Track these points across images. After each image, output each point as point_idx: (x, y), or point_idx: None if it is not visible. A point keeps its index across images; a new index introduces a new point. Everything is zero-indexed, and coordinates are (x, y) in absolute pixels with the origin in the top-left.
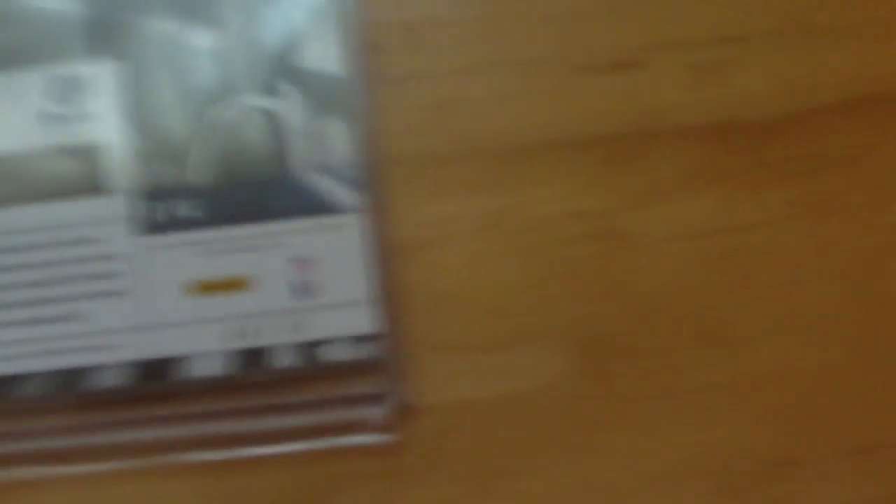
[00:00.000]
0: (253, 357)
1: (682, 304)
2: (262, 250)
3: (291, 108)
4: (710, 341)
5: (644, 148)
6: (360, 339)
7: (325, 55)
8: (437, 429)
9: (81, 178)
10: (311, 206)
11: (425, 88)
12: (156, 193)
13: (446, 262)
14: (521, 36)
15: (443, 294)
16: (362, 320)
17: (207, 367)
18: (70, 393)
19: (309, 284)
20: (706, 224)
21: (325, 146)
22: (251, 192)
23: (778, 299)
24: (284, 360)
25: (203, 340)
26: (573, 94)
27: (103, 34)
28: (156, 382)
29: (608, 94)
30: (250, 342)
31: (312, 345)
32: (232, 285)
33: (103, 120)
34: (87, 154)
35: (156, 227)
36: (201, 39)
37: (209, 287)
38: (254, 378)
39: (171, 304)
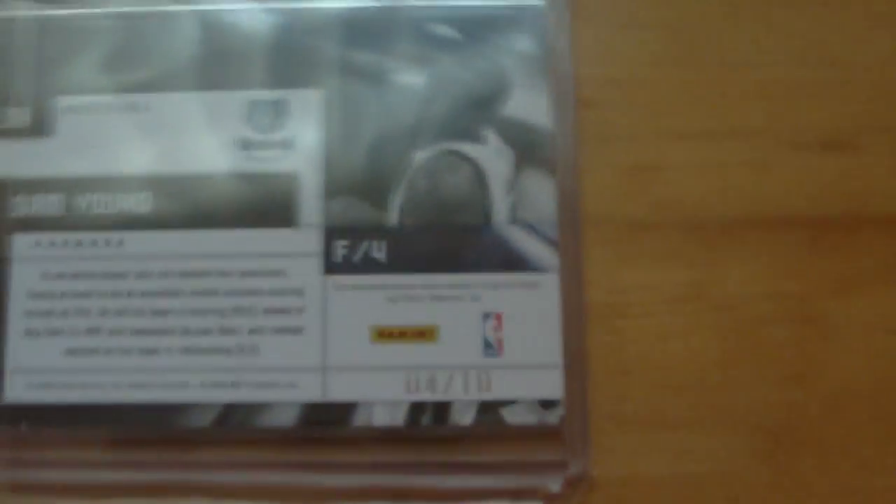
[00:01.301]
0: (434, 411)
1: (877, 400)
2: (455, 301)
3: (495, 158)
4: None
5: (848, 233)
6: (544, 404)
7: (533, 106)
8: (612, 503)
9: (276, 208)
10: (509, 261)
11: (630, 150)
12: (351, 232)
13: (635, 332)
14: (731, 106)
15: (629, 365)
16: (549, 385)
17: (388, 417)
18: (239, 428)
19: (500, 342)
20: None
21: (526, 200)
22: (449, 241)
23: None
24: (466, 418)
25: (385, 388)
26: (780, 170)
27: (311, 63)
28: (332, 427)
29: (815, 173)
30: (436, 395)
31: (496, 404)
32: (421, 334)
33: (303, 151)
34: (283, 184)
35: (348, 266)
36: (411, 78)
37: (398, 334)
38: (433, 433)
39: (357, 347)
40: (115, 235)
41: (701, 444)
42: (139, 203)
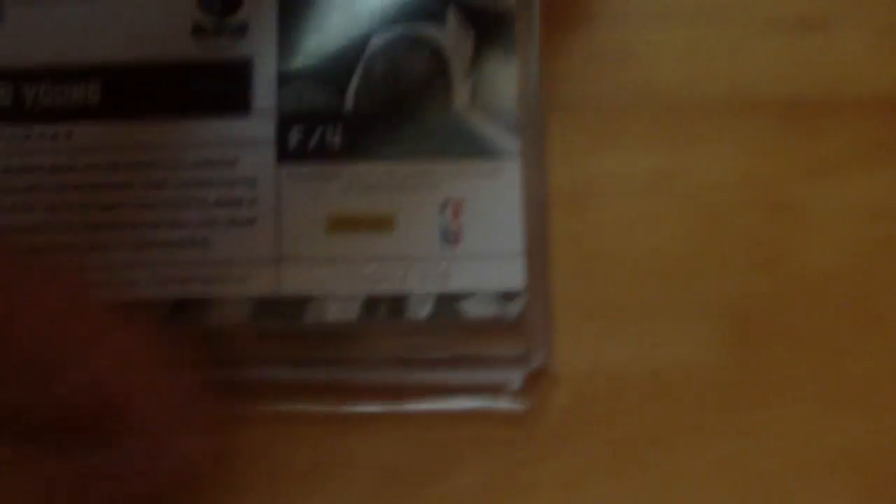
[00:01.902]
0: (390, 304)
1: (849, 287)
2: (413, 189)
3: (458, 42)
4: (875, 328)
5: (824, 115)
6: (505, 296)
7: None
8: (576, 398)
9: (228, 95)
10: (470, 148)
11: (598, 32)
12: (306, 118)
13: (601, 220)
14: None
15: (594, 254)
16: (511, 275)
17: (342, 311)
18: (189, 325)
19: (459, 231)
20: (883, 203)
21: (487, 84)
22: (406, 127)
23: None
24: (422, 311)
25: (340, 281)
26: (755, 50)
27: None
28: (284, 321)
29: (790, 53)
30: (392, 288)
31: (454, 297)
32: (378, 224)
33: (257, 35)
34: (236, 70)
35: (303, 154)
36: None
37: (353, 223)
38: (389, 327)
39: (311, 238)
40: (63, 127)
41: (669, 333)
42: (89, 94)
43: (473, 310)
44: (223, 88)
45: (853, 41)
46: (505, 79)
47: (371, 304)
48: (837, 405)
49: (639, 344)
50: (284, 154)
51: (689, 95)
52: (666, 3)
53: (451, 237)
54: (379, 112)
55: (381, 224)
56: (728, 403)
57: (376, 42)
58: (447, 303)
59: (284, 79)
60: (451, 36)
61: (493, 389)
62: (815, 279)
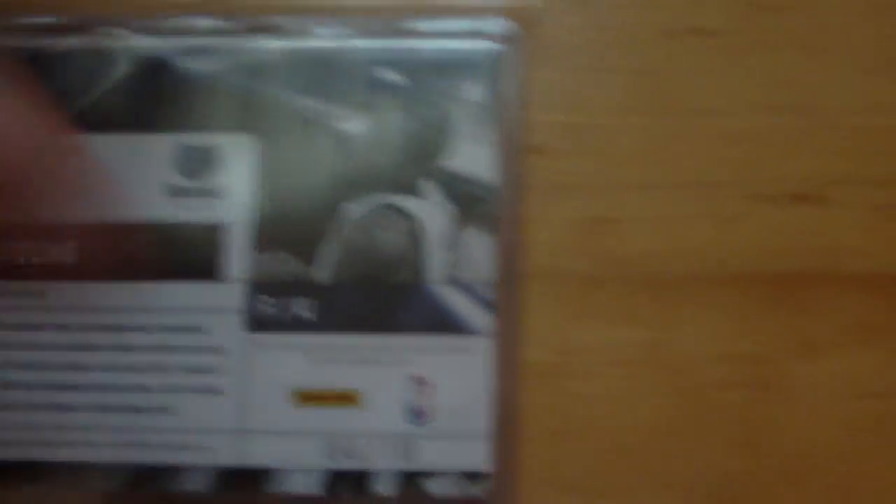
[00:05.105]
0: (354, 480)
1: (836, 471)
2: (379, 364)
3: (433, 213)
4: None
5: (814, 292)
6: (471, 476)
7: (478, 158)
8: None
9: (200, 260)
10: (441, 323)
11: (582, 201)
12: (278, 288)
13: (580, 394)
14: (694, 155)
15: (572, 429)
16: (476, 456)
17: (304, 485)
18: (150, 492)
19: (425, 408)
20: (873, 384)
21: (464, 259)
22: (376, 300)
23: None
24: (386, 489)
25: (304, 455)
26: (743, 224)
27: (245, 107)
28: (245, 493)
29: (781, 228)
30: (355, 464)
31: (419, 475)
32: (342, 398)
33: (231, 200)
34: (209, 235)
35: (269, 323)
36: (351, 125)
37: (317, 397)
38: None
39: (275, 410)
40: (36, 286)
41: None
42: (63, 253)
43: (439, 489)
44: (194, 252)
45: (847, 217)
46: (483, 254)
47: (335, 479)
48: None
49: None
50: (254, 323)
51: (674, 268)
52: (654, 174)
53: (417, 414)
54: (350, 283)
55: (347, 399)
56: None
57: (353, 212)
58: (412, 481)
59: (259, 245)
60: (430, 208)
61: None
62: (799, 460)
